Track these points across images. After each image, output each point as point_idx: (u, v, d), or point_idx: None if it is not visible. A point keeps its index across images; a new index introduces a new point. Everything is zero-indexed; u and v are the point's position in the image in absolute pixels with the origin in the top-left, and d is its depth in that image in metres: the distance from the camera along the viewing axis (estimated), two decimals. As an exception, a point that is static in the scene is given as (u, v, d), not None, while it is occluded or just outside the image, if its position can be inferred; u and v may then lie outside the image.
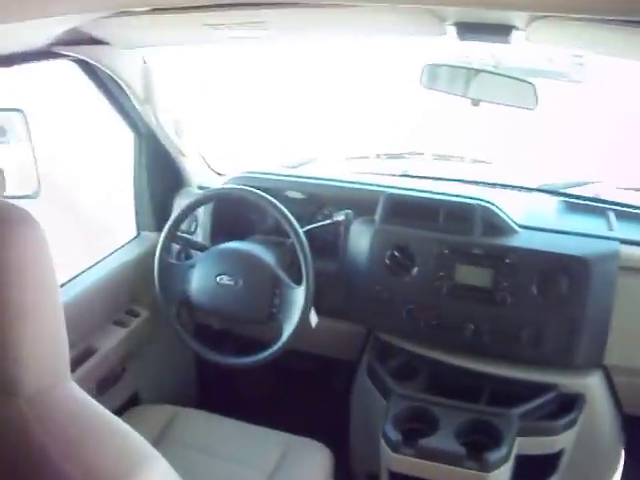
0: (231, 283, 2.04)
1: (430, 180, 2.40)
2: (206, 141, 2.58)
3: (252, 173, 2.35)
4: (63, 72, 2.15)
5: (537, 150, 7.50)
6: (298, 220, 2.08)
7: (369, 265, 2.13)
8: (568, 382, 2.00)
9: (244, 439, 2.04)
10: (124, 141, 2.44)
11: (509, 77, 2.11)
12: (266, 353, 2.03)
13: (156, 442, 1.97)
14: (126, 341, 2.24)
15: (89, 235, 4.76)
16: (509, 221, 2.06)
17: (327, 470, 1.98)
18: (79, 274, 2.19)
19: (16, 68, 1.69)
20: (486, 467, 1.77)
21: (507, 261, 1.98)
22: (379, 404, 2.02)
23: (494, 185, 2.40)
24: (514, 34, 1.51)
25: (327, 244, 2.27)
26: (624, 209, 2.25)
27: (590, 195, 2.37)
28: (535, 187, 2.44)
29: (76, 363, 2.01)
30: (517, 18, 1.42)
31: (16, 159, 1.80)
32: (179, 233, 2.21)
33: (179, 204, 2.36)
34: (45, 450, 0.84)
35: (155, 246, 2.15)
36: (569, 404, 1.98)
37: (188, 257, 2.31)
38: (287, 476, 1.91)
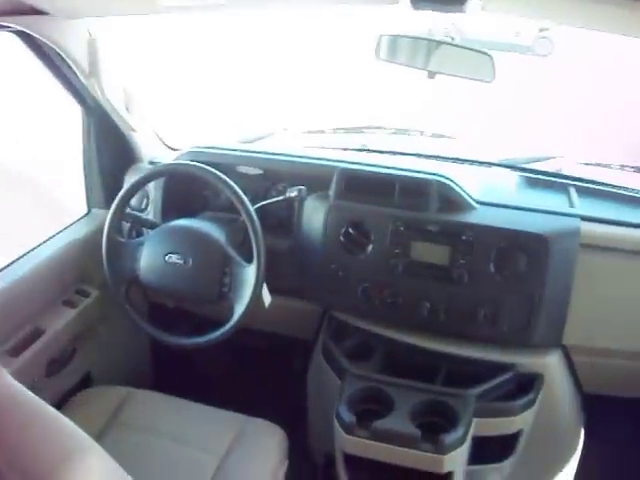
0: (180, 262, 1.99)
1: (388, 155, 2.37)
2: (162, 115, 2.52)
3: (204, 148, 2.30)
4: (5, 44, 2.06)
5: (504, 125, 7.52)
6: (252, 196, 2.03)
7: (323, 242, 2.08)
8: (526, 362, 1.98)
9: (197, 421, 2.01)
10: (73, 116, 2.36)
11: (468, 49, 2.05)
12: (218, 333, 1.99)
13: (106, 424, 1.95)
14: (76, 321, 2.19)
15: (48, 212, 4.67)
16: (466, 197, 2.02)
17: (281, 452, 1.95)
18: (25, 254, 2.13)
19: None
20: (442, 449, 1.75)
21: (464, 238, 1.94)
22: (334, 384, 1.99)
23: (453, 160, 2.37)
24: (469, 3, 1.48)
25: (282, 221, 2.22)
26: (586, 185, 2.23)
27: (551, 170, 2.34)
28: (495, 162, 2.41)
29: (24, 345, 1.98)
30: None
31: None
32: (129, 210, 2.16)
33: (129, 180, 2.30)
34: None
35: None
36: (527, 384, 1.96)
37: (140, 235, 2.26)
38: (240, 458, 1.88)
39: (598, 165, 2.46)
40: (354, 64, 9.09)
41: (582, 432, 2.17)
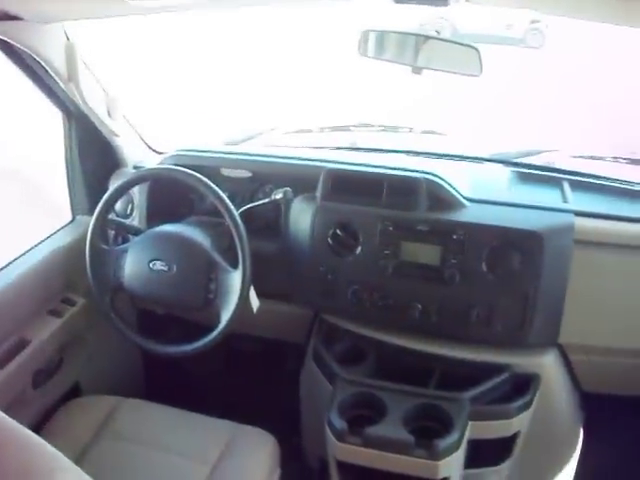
0: (164, 268, 1.94)
1: (377, 152, 2.33)
2: (146, 119, 2.48)
3: (188, 151, 2.27)
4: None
5: (494, 120, 7.49)
6: (238, 199, 2.00)
7: (311, 245, 2.04)
8: (522, 362, 1.94)
9: (188, 430, 1.98)
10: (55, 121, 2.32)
11: (454, 42, 2.02)
12: (205, 340, 1.95)
13: (96, 434, 1.93)
14: (62, 331, 2.15)
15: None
16: (456, 195, 1.98)
17: (273, 460, 1.93)
18: (9, 263, 2.09)
19: None
20: (436, 455, 1.71)
21: (455, 237, 1.90)
22: (326, 389, 1.96)
23: (443, 156, 2.33)
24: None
25: (269, 223, 2.18)
26: (579, 179, 2.19)
27: (544, 164, 2.31)
28: (486, 157, 2.38)
29: (9, 356, 1.95)
30: None
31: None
32: (112, 217, 2.13)
33: (113, 186, 2.26)
34: None
35: None
36: (523, 385, 1.93)
37: (125, 242, 2.21)
38: (231, 467, 1.86)
39: (591, 158, 2.43)
40: (340, 61, 9.04)
41: (581, 431, 2.13)
